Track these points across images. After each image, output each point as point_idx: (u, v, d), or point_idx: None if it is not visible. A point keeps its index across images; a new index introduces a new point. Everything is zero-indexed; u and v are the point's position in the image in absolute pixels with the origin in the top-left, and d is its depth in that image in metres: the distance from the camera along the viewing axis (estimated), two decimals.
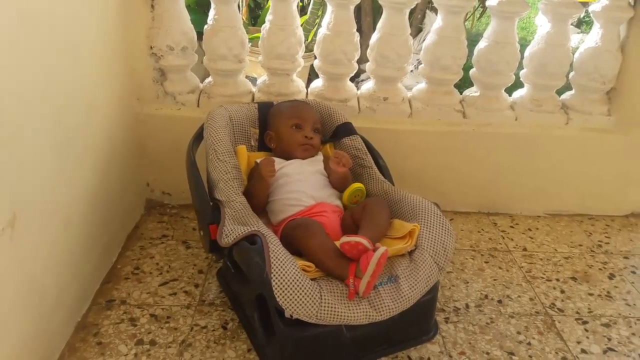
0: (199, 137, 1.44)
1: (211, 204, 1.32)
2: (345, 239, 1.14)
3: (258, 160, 1.40)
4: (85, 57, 1.33)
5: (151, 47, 1.69)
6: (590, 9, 1.84)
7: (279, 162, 1.43)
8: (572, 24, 1.86)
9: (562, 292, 1.56)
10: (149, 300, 1.42)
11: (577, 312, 1.48)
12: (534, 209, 1.96)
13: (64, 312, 1.26)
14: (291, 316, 1.10)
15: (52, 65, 1.15)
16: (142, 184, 1.81)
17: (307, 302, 1.07)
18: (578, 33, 4.13)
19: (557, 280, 1.61)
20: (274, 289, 1.06)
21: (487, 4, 1.83)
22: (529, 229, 1.87)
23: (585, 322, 1.44)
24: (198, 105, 1.80)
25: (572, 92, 1.94)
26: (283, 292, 1.06)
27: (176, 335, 1.31)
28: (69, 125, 1.24)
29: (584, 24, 4.54)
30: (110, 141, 1.50)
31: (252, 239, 1.15)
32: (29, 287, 1.09)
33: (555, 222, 1.92)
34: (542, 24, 1.87)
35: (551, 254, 1.74)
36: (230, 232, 1.20)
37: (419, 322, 1.28)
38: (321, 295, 1.09)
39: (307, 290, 1.07)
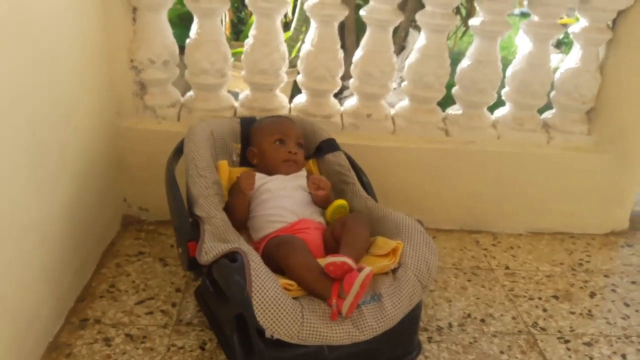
0: (178, 151, 1.42)
1: (190, 220, 1.29)
2: (330, 259, 1.12)
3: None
4: (64, 69, 1.30)
5: (132, 60, 1.67)
6: (570, 30, 1.87)
7: (261, 178, 1.41)
8: (551, 45, 1.89)
9: (545, 310, 1.55)
10: (124, 320, 1.37)
11: (559, 331, 1.47)
12: (516, 227, 1.96)
13: (36, 332, 1.21)
14: (272, 336, 1.08)
15: (28, 76, 1.12)
16: (119, 199, 1.77)
17: (289, 321, 1.04)
18: (557, 54, 4.21)
19: (540, 298, 1.61)
20: (254, 308, 1.04)
21: (469, 23, 1.85)
22: (511, 247, 1.87)
23: (567, 341, 1.44)
24: (179, 120, 1.77)
25: (553, 111, 1.96)
26: (264, 311, 1.04)
27: (152, 356, 1.26)
28: (46, 137, 1.20)
29: (563, 45, 4.64)
30: (88, 155, 1.47)
31: (232, 256, 1.13)
32: (1, 306, 1.05)
33: (537, 241, 1.93)
34: (523, 44, 1.89)
35: (533, 272, 1.74)
36: (210, 249, 1.17)
37: (402, 341, 1.26)
38: (303, 315, 1.06)
39: (289, 310, 1.05)
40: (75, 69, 1.37)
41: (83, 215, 1.44)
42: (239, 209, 1.36)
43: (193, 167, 1.34)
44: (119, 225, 1.77)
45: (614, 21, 1.79)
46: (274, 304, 1.04)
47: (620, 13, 1.75)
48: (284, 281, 1.12)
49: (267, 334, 1.08)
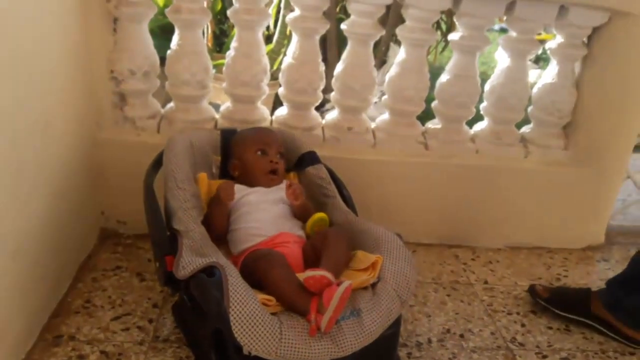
0: (157, 163, 1.40)
1: (168, 233, 1.27)
2: (309, 273, 1.11)
3: None
4: (42, 78, 1.28)
5: (112, 71, 1.65)
6: (547, 46, 1.90)
7: (242, 190, 1.40)
8: (530, 60, 1.92)
9: (523, 325, 1.56)
10: (99, 336, 1.35)
11: (537, 346, 1.48)
12: (494, 241, 1.98)
13: (6, 349, 1.18)
14: (249, 353, 1.06)
15: (4, 85, 1.09)
16: (97, 212, 1.74)
17: (267, 337, 1.03)
18: (536, 69, 4.28)
19: (518, 313, 1.62)
20: (232, 323, 1.02)
21: (449, 38, 1.87)
22: (490, 262, 1.88)
23: (545, 357, 1.45)
24: (158, 131, 1.75)
25: (531, 125, 1.99)
26: (241, 327, 1.02)
27: None
28: (22, 148, 1.18)
29: (541, 61, 4.72)
30: (65, 166, 1.44)
31: (210, 270, 1.11)
32: None
33: (515, 255, 1.94)
34: (502, 59, 1.92)
35: (512, 287, 1.75)
36: (188, 263, 1.15)
37: (381, 357, 1.25)
38: (281, 331, 1.05)
39: (267, 326, 1.04)
40: (54, 78, 1.35)
41: (59, 228, 1.41)
42: (218, 220, 1.35)
43: (172, 180, 1.32)
44: (96, 239, 1.74)
45: (589, 37, 1.83)
46: (252, 319, 1.03)
47: (595, 30, 1.79)
48: (262, 296, 1.11)
49: (245, 351, 1.07)
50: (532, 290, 1.66)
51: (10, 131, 1.12)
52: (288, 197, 1.37)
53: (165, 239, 1.26)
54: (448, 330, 1.50)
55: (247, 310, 1.03)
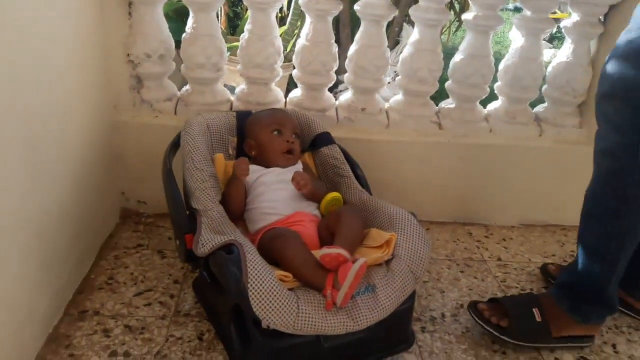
0: (175, 145, 1.43)
1: (187, 212, 1.31)
2: (325, 250, 1.14)
3: None
4: (60, 64, 1.31)
5: (128, 55, 1.68)
6: (562, 24, 1.88)
7: (258, 170, 1.43)
8: (544, 39, 1.91)
9: None
10: (123, 311, 1.39)
11: None
12: (508, 219, 1.99)
13: (34, 324, 1.23)
14: (268, 326, 1.10)
15: (24, 71, 1.12)
16: (117, 192, 1.79)
17: (284, 312, 1.07)
18: (550, 48, 4.23)
19: (531, 290, 1.63)
20: (250, 298, 1.06)
21: (462, 17, 1.87)
22: (504, 239, 1.90)
23: None
24: (175, 113, 1.78)
25: (545, 104, 1.98)
26: (260, 302, 1.06)
27: (151, 347, 1.29)
28: (43, 132, 1.22)
29: (556, 40, 4.67)
30: (85, 149, 1.48)
31: (228, 248, 1.15)
32: None
33: (529, 232, 1.95)
34: (516, 39, 1.91)
35: (525, 263, 1.77)
36: (207, 241, 1.19)
37: (395, 331, 1.28)
38: (298, 306, 1.08)
39: (284, 300, 1.07)
40: (71, 63, 1.38)
41: (81, 208, 1.45)
42: (234, 197, 1.38)
43: (190, 160, 1.35)
44: (117, 218, 1.78)
45: (606, 15, 1.81)
46: (269, 294, 1.06)
47: (611, 7, 1.77)
48: (279, 272, 1.14)
49: (264, 324, 1.10)
50: (544, 269, 1.67)
51: (29, 117, 1.15)
52: (295, 188, 1.38)
53: (184, 218, 1.29)
54: (462, 306, 1.52)
55: (265, 286, 1.06)
